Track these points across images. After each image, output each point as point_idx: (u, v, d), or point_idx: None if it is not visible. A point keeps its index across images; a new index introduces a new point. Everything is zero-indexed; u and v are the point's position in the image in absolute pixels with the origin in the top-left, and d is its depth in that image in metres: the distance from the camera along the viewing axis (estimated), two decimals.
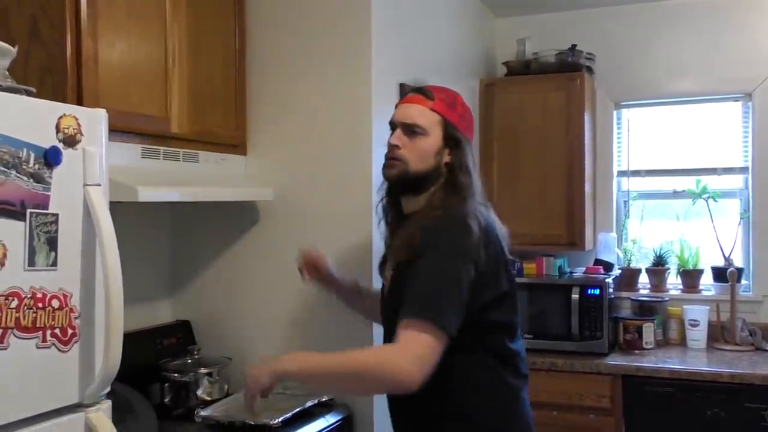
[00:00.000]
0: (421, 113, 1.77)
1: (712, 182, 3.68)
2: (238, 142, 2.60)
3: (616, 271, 3.74)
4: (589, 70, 3.74)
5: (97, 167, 1.38)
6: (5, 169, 1.25)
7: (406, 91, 1.94)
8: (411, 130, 1.77)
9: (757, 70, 3.56)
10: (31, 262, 1.28)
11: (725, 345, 3.46)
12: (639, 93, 3.83)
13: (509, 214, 3.71)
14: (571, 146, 3.57)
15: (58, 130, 1.33)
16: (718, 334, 3.52)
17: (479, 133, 3.71)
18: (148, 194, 1.89)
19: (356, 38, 2.60)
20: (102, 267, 1.35)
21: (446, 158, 1.78)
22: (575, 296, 3.36)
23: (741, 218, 3.66)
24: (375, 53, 2.59)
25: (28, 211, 1.28)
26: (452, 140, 1.78)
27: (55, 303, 1.31)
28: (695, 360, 3.28)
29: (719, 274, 3.59)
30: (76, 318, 1.35)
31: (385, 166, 1.82)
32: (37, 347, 1.30)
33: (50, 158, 1.30)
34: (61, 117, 1.33)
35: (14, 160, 1.25)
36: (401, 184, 1.81)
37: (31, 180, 1.28)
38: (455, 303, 1.61)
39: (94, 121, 1.42)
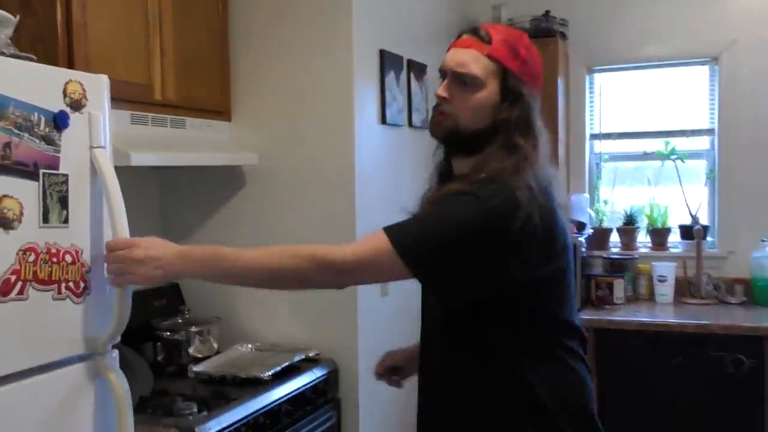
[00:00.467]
0: (475, 59, 1.48)
1: (680, 144, 3.77)
2: (223, 109, 2.66)
3: (589, 231, 3.83)
4: (563, 35, 3.80)
5: (101, 130, 1.44)
6: (19, 132, 1.30)
7: (460, 33, 1.57)
8: (462, 80, 1.48)
9: (723, 35, 3.64)
10: (45, 219, 1.34)
11: (691, 299, 3.59)
12: (610, 58, 3.91)
13: None
14: (544, 110, 3.59)
15: (65, 94, 1.38)
16: (685, 289, 3.65)
17: None
18: (140, 158, 1.96)
19: (337, 6, 2.64)
20: (110, 224, 1.42)
21: (504, 114, 1.48)
22: None
23: (707, 178, 3.77)
24: (356, 20, 2.65)
25: (41, 171, 1.34)
26: (512, 93, 1.48)
27: (68, 258, 1.39)
28: (663, 313, 3.43)
29: (686, 232, 3.72)
30: (87, 272, 1.42)
31: (432, 123, 1.56)
32: (53, 299, 1.38)
33: (59, 121, 1.35)
34: (67, 82, 1.39)
35: (27, 123, 1.31)
36: (450, 143, 1.55)
37: (43, 142, 1.34)
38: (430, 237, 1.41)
39: (97, 86, 1.46)
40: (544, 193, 1.45)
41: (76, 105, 1.40)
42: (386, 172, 2.98)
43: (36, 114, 1.33)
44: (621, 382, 3.25)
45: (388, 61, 2.92)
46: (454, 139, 1.51)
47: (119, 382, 1.47)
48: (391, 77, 2.98)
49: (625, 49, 3.86)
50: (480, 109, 1.47)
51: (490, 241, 1.40)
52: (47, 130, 1.35)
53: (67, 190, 1.39)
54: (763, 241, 3.53)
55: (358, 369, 2.61)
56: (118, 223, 1.42)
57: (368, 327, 2.71)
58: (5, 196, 1.30)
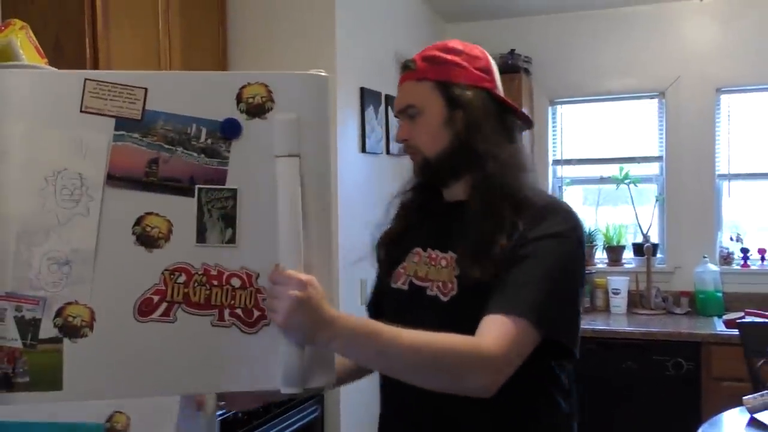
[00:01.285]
0: (409, 91, 1.38)
1: (633, 169, 3.96)
2: None
3: None
4: (527, 71, 3.95)
5: (291, 136, 1.18)
6: (171, 147, 1.17)
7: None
8: (408, 115, 1.38)
9: (668, 72, 3.86)
10: (201, 239, 1.18)
11: (642, 310, 3.78)
12: (570, 91, 4.09)
13: None
14: None
15: (239, 100, 1.19)
16: (637, 301, 3.83)
17: None
18: None
19: (322, 48, 2.81)
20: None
21: (457, 124, 1.32)
22: None
23: (657, 200, 3.97)
24: (339, 62, 2.90)
25: (197, 186, 1.17)
26: (455, 100, 1.32)
27: (235, 282, 1.18)
28: (616, 322, 3.59)
29: (638, 249, 3.90)
30: (265, 300, 1.17)
31: (412, 167, 1.43)
32: (212, 325, 1.17)
33: (226, 131, 1.19)
34: (244, 87, 1.19)
35: (180, 136, 1.17)
36: (430, 176, 1.39)
37: (202, 155, 1.18)
38: (575, 316, 1.27)
39: (298, 85, 1.21)
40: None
41: (256, 110, 1.19)
42: (366, 196, 3.26)
43: (194, 125, 1.18)
44: (576, 382, 3.55)
45: (367, 97, 3.18)
46: (429, 170, 1.37)
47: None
48: (370, 111, 3.28)
49: (584, 83, 4.04)
50: (434, 132, 1.34)
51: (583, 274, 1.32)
52: (209, 141, 1.18)
53: (233, 206, 1.18)
54: (704, 257, 3.73)
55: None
56: (282, 250, 1.16)
57: None
58: (149, 213, 1.17)
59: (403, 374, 1.19)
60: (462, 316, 1.24)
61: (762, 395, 2.18)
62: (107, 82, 1.18)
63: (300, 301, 1.10)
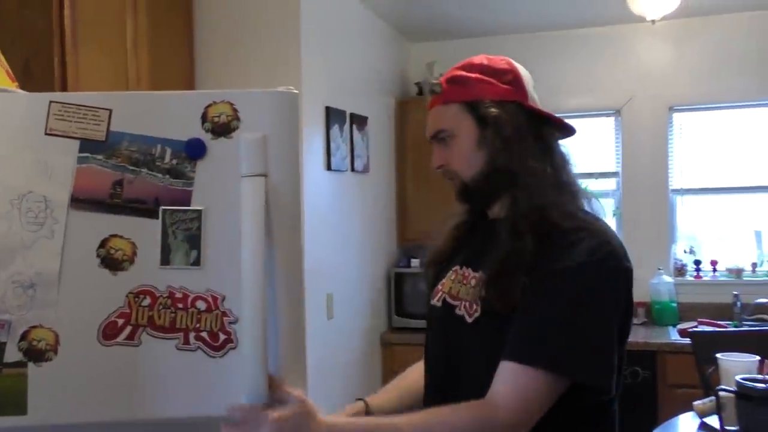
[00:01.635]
0: (438, 115, 1.33)
1: (591, 185, 3.98)
2: None
3: None
4: None
5: (256, 155, 1.14)
6: (135, 168, 1.15)
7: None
8: (441, 140, 1.33)
9: (623, 91, 3.95)
10: (166, 261, 1.15)
11: None
12: None
13: (422, 213, 4.18)
14: None
15: (204, 119, 1.16)
16: None
17: (394, 146, 4.00)
18: None
19: (287, 69, 2.83)
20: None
21: (490, 144, 1.26)
22: None
23: (614, 215, 4.04)
24: (304, 82, 2.94)
25: (161, 208, 1.15)
26: (484, 119, 1.26)
27: (201, 304, 1.15)
28: None
29: None
30: (231, 323, 1.14)
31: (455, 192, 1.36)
32: (177, 348, 1.15)
33: (191, 151, 1.16)
34: (209, 105, 1.16)
35: (145, 157, 1.15)
36: (471, 200, 1.34)
37: (167, 176, 1.15)
38: (600, 348, 1.15)
39: (263, 103, 1.18)
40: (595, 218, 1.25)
41: (222, 129, 1.16)
42: (331, 213, 3.28)
43: (159, 146, 1.15)
44: None
45: (332, 116, 3.20)
46: (468, 194, 1.32)
47: None
48: (335, 129, 3.29)
49: (544, 100, 4.17)
50: (468, 154, 1.28)
51: (617, 305, 1.20)
52: (174, 162, 1.15)
53: (198, 228, 1.15)
54: (659, 269, 3.82)
55: (306, 384, 2.89)
56: (245, 271, 1.10)
57: (317, 345, 2.99)
58: (113, 235, 1.15)
59: None
60: (484, 338, 1.21)
61: (711, 400, 2.24)
62: (72, 104, 1.17)
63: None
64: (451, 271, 1.35)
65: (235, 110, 1.17)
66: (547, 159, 1.27)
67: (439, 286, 1.37)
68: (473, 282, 1.27)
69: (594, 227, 1.21)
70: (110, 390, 1.15)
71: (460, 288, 1.30)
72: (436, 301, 1.36)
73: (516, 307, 1.16)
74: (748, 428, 1.72)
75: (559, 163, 1.30)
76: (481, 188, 1.28)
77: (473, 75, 1.30)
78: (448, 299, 1.32)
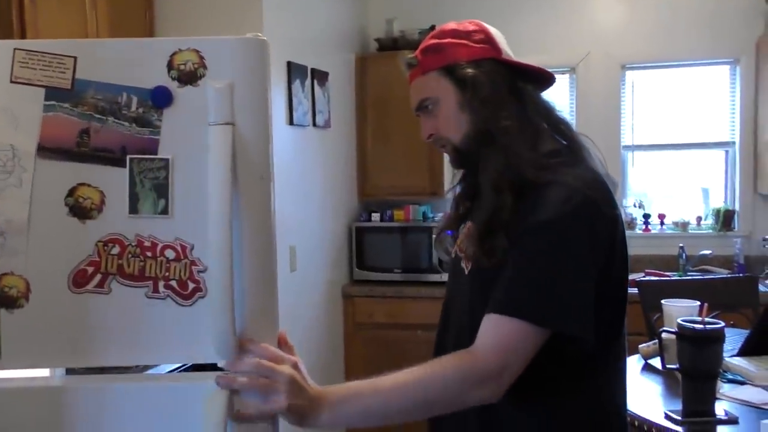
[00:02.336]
0: (419, 86, 1.32)
1: None
2: None
3: None
4: None
5: (224, 104, 1.12)
6: (101, 116, 1.13)
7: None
8: (425, 110, 1.31)
9: (578, 49, 3.98)
10: (133, 209, 1.14)
11: None
12: None
13: (382, 169, 4.20)
14: None
15: (170, 67, 1.13)
16: None
17: (354, 102, 3.97)
18: None
19: (248, 20, 2.78)
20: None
21: (469, 103, 1.26)
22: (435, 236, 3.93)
23: None
24: (266, 33, 2.93)
25: (128, 156, 1.13)
26: (462, 80, 1.26)
27: (170, 253, 1.14)
28: None
29: None
30: (200, 272, 1.14)
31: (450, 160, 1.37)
32: (147, 296, 1.14)
33: (157, 100, 1.14)
34: (174, 53, 1.13)
35: (111, 106, 1.13)
36: (461, 163, 1.34)
37: (134, 124, 1.14)
38: (571, 298, 1.15)
39: (230, 50, 1.16)
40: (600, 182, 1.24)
41: (188, 77, 1.13)
42: (293, 167, 3.29)
43: (125, 94, 1.13)
44: None
45: (294, 71, 3.18)
46: (462, 158, 1.31)
47: (213, 411, 1.09)
48: (297, 84, 3.27)
49: None
50: (454, 118, 1.28)
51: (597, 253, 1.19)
52: (141, 110, 1.14)
53: (166, 177, 1.14)
54: None
55: (276, 335, 2.91)
56: (211, 215, 1.10)
57: (280, 297, 3.00)
58: (81, 184, 1.14)
59: (405, 417, 1.15)
60: (474, 290, 1.25)
61: (654, 343, 2.34)
62: (36, 51, 1.15)
63: (293, 380, 1.08)
64: (464, 228, 1.36)
65: (202, 58, 1.15)
66: (525, 112, 1.27)
67: (458, 243, 1.38)
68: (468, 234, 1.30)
69: (568, 178, 1.20)
70: (82, 337, 1.16)
71: (465, 241, 1.32)
72: (453, 257, 1.39)
73: (501, 264, 1.18)
74: (686, 365, 1.81)
75: (542, 112, 1.30)
76: (471, 150, 1.27)
77: (445, 40, 1.30)
78: (458, 253, 1.35)
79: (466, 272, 1.29)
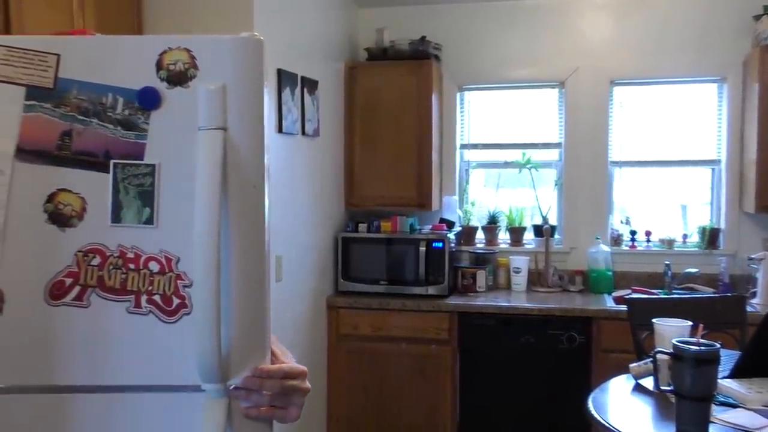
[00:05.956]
0: None
1: (534, 155, 4.05)
2: None
3: (457, 229, 4.02)
4: (437, 58, 3.95)
5: (215, 107, 1.05)
6: (85, 118, 1.06)
7: None
8: None
9: (567, 63, 3.94)
10: (116, 218, 1.07)
11: (540, 287, 3.88)
12: (478, 78, 4.12)
13: (370, 179, 4.11)
14: (421, 122, 3.80)
15: (159, 67, 1.06)
16: (536, 279, 3.93)
17: (343, 111, 3.90)
18: None
19: (239, 28, 2.89)
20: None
21: None
22: (423, 249, 3.66)
23: (556, 185, 4.06)
24: None
25: (112, 161, 1.06)
26: None
27: (154, 266, 1.07)
28: (515, 299, 3.68)
29: (538, 230, 4.00)
30: (186, 287, 1.06)
31: None
32: (128, 312, 1.07)
33: (144, 101, 1.06)
34: (164, 52, 1.06)
35: (95, 107, 1.06)
36: None
37: (119, 127, 1.06)
38: None
39: (224, 50, 1.08)
40: None
41: (178, 78, 1.06)
42: (282, 175, 3.22)
43: (110, 95, 1.06)
44: (479, 355, 3.53)
45: (284, 78, 3.11)
46: None
47: (212, 420, 1.05)
48: (287, 92, 3.20)
49: (491, 71, 4.07)
50: None
51: None
52: (127, 112, 1.06)
53: (152, 184, 1.06)
54: (597, 239, 3.86)
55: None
56: (197, 228, 1.02)
57: None
58: (61, 189, 1.06)
59: None
60: None
61: (646, 363, 2.30)
62: (18, 48, 1.07)
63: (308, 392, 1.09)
64: None
65: (193, 57, 1.07)
66: None
67: None
68: None
69: None
70: (57, 352, 1.07)
71: None
72: None
73: None
74: (681, 387, 1.77)
75: None
76: None
77: None
78: None
79: None
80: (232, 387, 1.05)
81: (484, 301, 3.68)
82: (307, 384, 1.08)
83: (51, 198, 1.07)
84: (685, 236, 4.00)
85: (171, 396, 1.08)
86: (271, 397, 1.05)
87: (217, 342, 1.02)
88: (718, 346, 1.77)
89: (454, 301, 3.65)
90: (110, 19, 2.55)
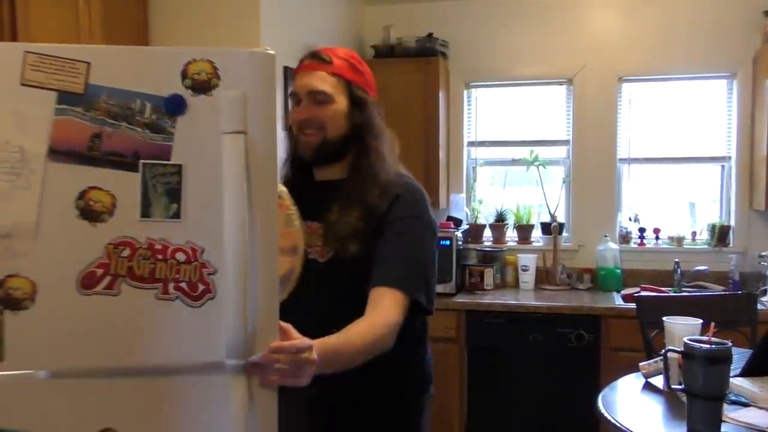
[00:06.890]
0: (322, 79, 1.60)
1: (543, 152, 4.13)
2: None
3: (465, 226, 4.10)
4: (444, 55, 4.03)
5: (236, 114, 1.18)
6: (114, 121, 1.17)
7: (302, 59, 1.69)
8: (317, 99, 1.60)
9: (576, 61, 4.03)
10: (146, 213, 1.18)
11: (548, 285, 3.96)
12: (485, 75, 4.20)
13: None
14: (428, 120, 3.88)
15: (185, 76, 1.19)
16: (544, 277, 4.00)
17: None
18: None
19: (246, 28, 2.78)
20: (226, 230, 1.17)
21: (357, 119, 1.62)
22: None
23: (563, 182, 4.14)
24: (263, 41, 2.94)
25: (141, 162, 1.17)
26: (359, 101, 1.62)
27: (180, 256, 1.19)
28: (523, 297, 3.75)
29: (546, 228, 4.08)
30: (210, 274, 1.19)
31: (300, 144, 1.64)
32: (156, 298, 1.18)
33: (170, 107, 1.19)
34: (189, 63, 1.18)
35: (124, 111, 1.17)
36: (319, 156, 1.63)
37: (147, 130, 1.18)
38: (433, 281, 1.61)
39: (241, 63, 1.21)
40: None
41: (202, 86, 1.19)
42: None
43: (138, 101, 1.17)
44: (487, 354, 3.59)
45: (291, 76, 3.25)
46: (323, 150, 1.61)
47: (236, 410, 1.18)
48: None
49: (498, 68, 4.16)
50: (337, 119, 1.60)
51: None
52: (154, 117, 1.18)
53: (178, 182, 1.18)
54: (605, 236, 3.95)
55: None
56: (227, 226, 1.17)
57: None
58: (92, 187, 1.17)
59: (355, 364, 1.43)
60: (332, 276, 1.61)
61: (656, 361, 2.33)
62: (48, 56, 1.18)
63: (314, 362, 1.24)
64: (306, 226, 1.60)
65: (215, 68, 1.21)
66: (387, 140, 1.70)
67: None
68: (320, 231, 1.62)
69: (415, 186, 1.68)
70: (89, 338, 1.18)
71: (308, 237, 1.59)
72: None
73: (371, 251, 1.55)
74: (693, 386, 1.78)
75: (393, 140, 1.72)
76: (338, 147, 1.62)
77: (360, 67, 1.68)
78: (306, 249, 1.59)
79: (321, 261, 1.61)
80: (251, 362, 1.19)
81: (491, 299, 3.75)
82: (315, 355, 1.23)
83: (82, 195, 1.18)
84: (694, 234, 4.08)
85: (194, 378, 1.21)
86: (285, 370, 1.21)
87: (244, 321, 1.17)
88: (730, 344, 1.79)
89: (462, 299, 3.73)
90: (116, 17, 2.62)
